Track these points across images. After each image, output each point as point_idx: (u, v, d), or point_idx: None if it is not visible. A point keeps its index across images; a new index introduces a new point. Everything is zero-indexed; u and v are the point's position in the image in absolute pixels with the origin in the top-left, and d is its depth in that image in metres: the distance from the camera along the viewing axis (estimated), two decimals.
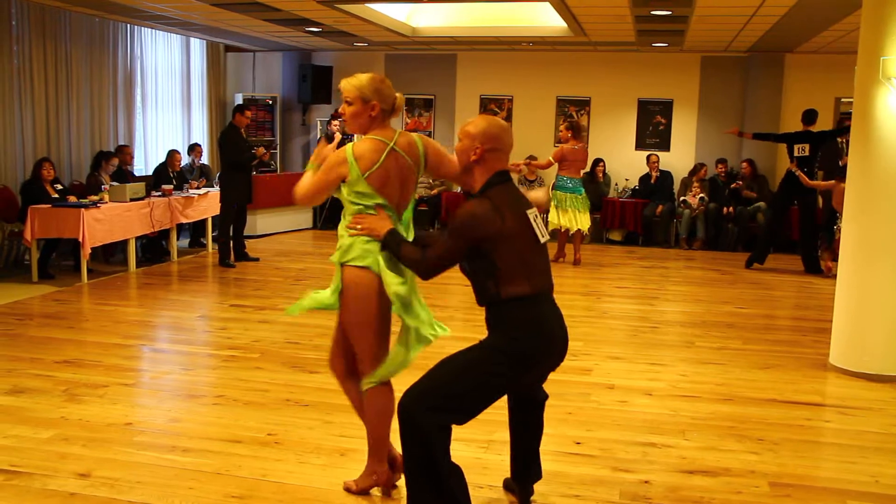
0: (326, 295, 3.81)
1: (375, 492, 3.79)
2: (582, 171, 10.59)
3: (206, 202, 10.78)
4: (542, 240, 3.37)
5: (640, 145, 13.57)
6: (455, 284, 9.16)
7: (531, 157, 11.90)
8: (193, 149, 12.16)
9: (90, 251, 8.73)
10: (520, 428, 3.69)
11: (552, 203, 10.48)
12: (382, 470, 3.75)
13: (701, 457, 4.34)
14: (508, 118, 14.01)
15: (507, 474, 3.90)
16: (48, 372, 5.54)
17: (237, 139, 9.89)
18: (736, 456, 4.36)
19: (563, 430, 4.68)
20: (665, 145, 13.45)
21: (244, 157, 9.81)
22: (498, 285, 3.26)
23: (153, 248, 10.40)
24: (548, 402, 4.91)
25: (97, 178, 9.91)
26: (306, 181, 3.79)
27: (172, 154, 11.08)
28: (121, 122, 11.59)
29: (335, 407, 4.92)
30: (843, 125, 10.92)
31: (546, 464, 4.11)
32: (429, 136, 13.74)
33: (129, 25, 11.62)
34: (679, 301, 8.65)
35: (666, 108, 13.45)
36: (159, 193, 10.03)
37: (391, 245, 3.47)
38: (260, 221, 12.39)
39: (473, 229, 3.23)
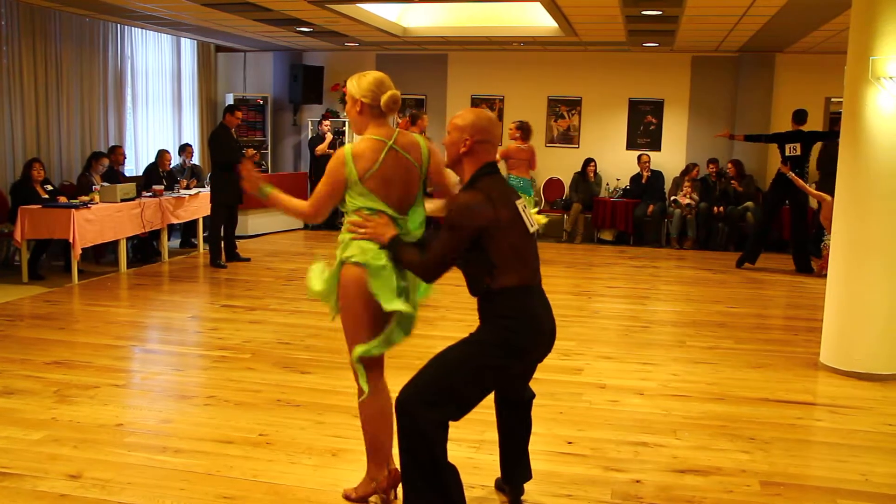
0: (317, 283, 3.79)
1: (374, 499, 3.79)
2: (531, 172, 10.54)
3: (197, 202, 10.75)
4: (532, 230, 3.37)
5: (630, 145, 13.60)
6: (447, 284, 9.15)
7: None
8: (184, 149, 12.14)
9: (81, 252, 8.70)
10: (508, 428, 3.68)
11: None
12: (382, 477, 3.66)
13: (692, 456, 4.34)
14: (500, 118, 14.01)
15: (499, 474, 3.91)
16: (38, 373, 5.52)
17: (227, 139, 9.88)
18: (727, 455, 4.37)
19: (554, 429, 4.68)
20: (656, 145, 13.48)
21: (234, 157, 9.79)
22: (491, 276, 3.27)
23: (144, 248, 10.37)
24: (539, 402, 4.90)
25: (88, 178, 9.87)
26: (313, 196, 3.65)
27: (162, 154, 11.06)
28: (111, 122, 11.56)
29: (327, 407, 4.91)
30: (835, 128, 10.92)
31: (537, 463, 4.11)
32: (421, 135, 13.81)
33: (119, 25, 11.59)
34: (670, 301, 8.67)
35: (657, 107, 13.48)
36: (150, 194, 10.00)
37: (393, 250, 3.45)
38: (251, 222, 12.37)
39: (470, 221, 3.22)
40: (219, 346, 6.34)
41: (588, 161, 13.27)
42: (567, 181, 13.57)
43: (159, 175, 10.79)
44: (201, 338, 6.84)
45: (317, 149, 13.40)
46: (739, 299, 8.63)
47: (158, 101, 12.76)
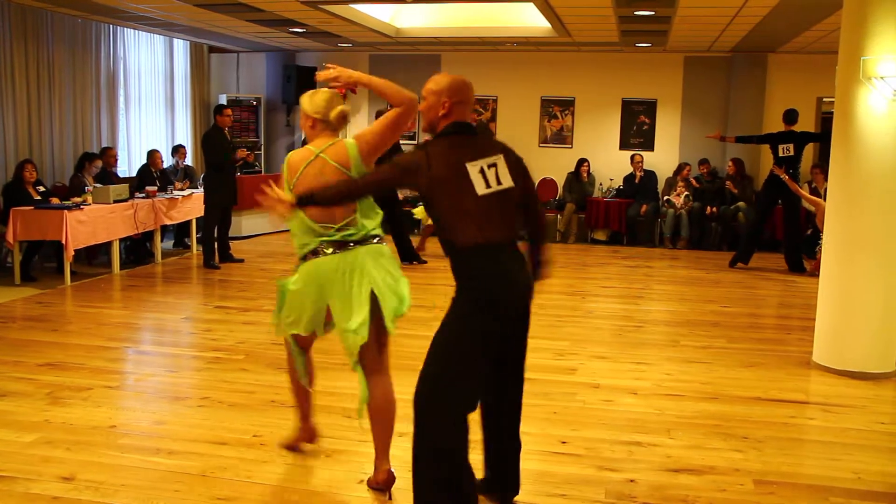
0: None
1: (359, 483, 3.79)
2: None
3: (191, 203, 10.73)
4: (482, 190, 3.35)
5: (624, 145, 13.61)
6: (440, 285, 9.14)
7: None
8: (177, 150, 12.12)
9: (73, 253, 8.67)
10: (493, 435, 3.62)
11: None
12: (385, 469, 3.81)
13: (686, 455, 4.35)
14: (493, 118, 14.04)
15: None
16: (31, 375, 5.50)
17: (220, 140, 9.86)
18: (721, 454, 4.38)
19: (548, 429, 4.69)
20: (649, 145, 13.50)
21: (225, 158, 9.77)
22: (448, 235, 3.37)
23: (137, 249, 10.34)
24: (533, 402, 4.91)
25: (80, 179, 9.85)
26: None
27: (153, 154, 11.04)
28: (104, 123, 11.54)
29: (320, 408, 4.90)
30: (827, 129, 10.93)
31: (531, 463, 4.12)
32: (412, 137, 13.80)
33: (111, 26, 11.57)
34: (664, 300, 8.68)
35: (650, 107, 13.50)
36: (143, 195, 9.98)
37: (306, 200, 3.47)
38: (245, 223, 12.35)
39: (400, 169, 3.40)
40: (212, 348, 6.33)
41: (581, 161, 13.28)
42: (560, 181, 13.58)
43: (152, 176, 10.78)
44: (195, 339, 6.83)
45: None
46: (732, 299, 8.65)
47: (151, 102, 12.73)
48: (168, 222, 10.41)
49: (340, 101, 3.95)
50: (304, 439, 4.28)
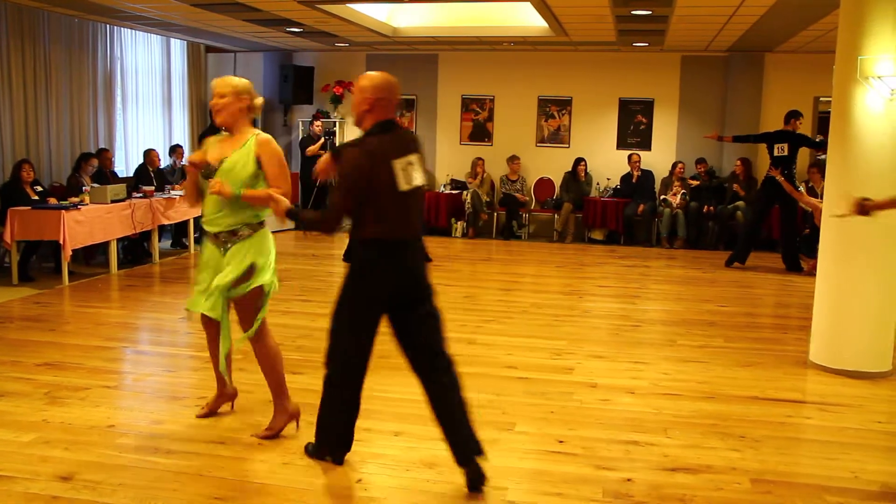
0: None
1: (356, 483, 3.80)
2: None
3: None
4: (404, 187, 3.72)
5: (621, 145, 13.63)
6: (436, 284, 9.15)
7: None
8: (174, 150, 12.12)
9: (71, 253, 8.67)
10: (439, 403, 3.91)
11: None
12: (290, 406, 4.51)
13: (683, 454, 4.36)
14: (490, 118, 14.05)
15: (493, 473, 3.92)
16: (29, 375, 5.50)
17: None
18: (717, 453, 4.39)
19: (545, 428, 4.69)
20: (646, 144, 13.51)
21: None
22: (363, 227, 3.75)
23: (134, 249, 10.34)
24: (530, 401, 4.93)
25: (78, 179, 9.84)
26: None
27: (149, 153, 11.05)
28: (101, 122, 11.54)
29: (317, 408, 4.90)
30: (823, 136, 10.93)
31: (529, 462, 4.14)
32: None
33: (108, 26, 11.56)
34: (661, 300, 8.69)
35: (647, 107, 13.52)
36: (140, 195, 9.98)
37: (294, 217, 4.07)
38: None
39: (357, 172, 3.67)
40: (204, 347, 6.29)
41: (578, 161, 13.29)
42: (557, 181, 13.59)
43: (149, 175, 10.78)
44: (192, 339, 6.82)
45: (308, 149, 13.40)
46: (729, 298, 8.67)
47: (148, 102, 12.73)
48: (165, 222, 10.41)
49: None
50: (294, 417, 4.57)
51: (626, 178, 13.14)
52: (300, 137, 14.04)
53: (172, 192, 10.57)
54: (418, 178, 3.81)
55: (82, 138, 11.13)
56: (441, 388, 3.91)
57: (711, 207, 12.29)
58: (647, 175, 13.07)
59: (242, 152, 4.32)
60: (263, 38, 12.76)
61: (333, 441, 4.07)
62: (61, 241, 8.46)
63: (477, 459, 3.81)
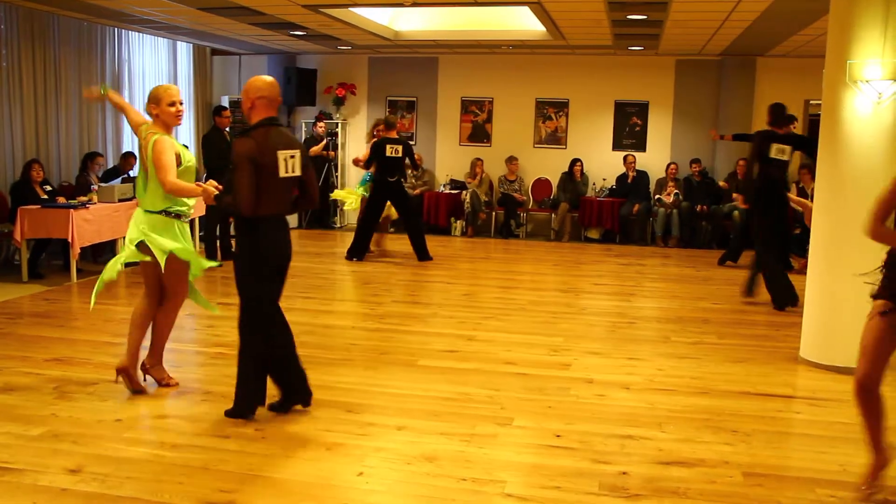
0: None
1: (358, 476, 3.80)
2: None
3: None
4: (282, 174, 4.41)
5: (616, 146, 13.62)
6: (436, 282, 9.16)
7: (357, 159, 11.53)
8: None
9: (79, 251, 8.67)
10: (282, 351, 4.69)
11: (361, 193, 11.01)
12: (124, 360, 5.10)
13: (677, 448, 4.36)
14: (489, 119, 14.05)
15: (492, 467, 3.92)
16: (38, 370, 5.50)
17: (219, 141, 9.88)
18: (710, 447, 4.39)
19: (543, 423, 4.70)
20: (641, 146, 13.51)
21: (220, 162, 9.61)
22: (237, 202, 4.34)
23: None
24: (528, 396, 4.94)
25: (86, 179, 9.84)
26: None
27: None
28: (109, 124, 11.52)
29: (320, 402, 4.91)
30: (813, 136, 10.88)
31: (527, 456, 4.15)
32: (410, 137, 13.80)
33: (116, 29, 11.55)
34: (655, 297, 8.69)
35: (642, 109, 13.51)
36: None
37: (218, 201, 4.60)
38: None
39: (248, 159, 4.29)
40: (215, 343, 6.33)
41: (575, 161, 13.29)
42: (555, 181, 13.59)
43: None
44: (198, 335, 6.83)
45: (311, 150, 13.37)
46: (722, 296, 8.67)
47: None
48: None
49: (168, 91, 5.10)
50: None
51: (621, 179, 13.14)
52: (303, 138, 14.02)
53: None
54: (297, 170, 4.50)
55: (91, 139, 11.11)
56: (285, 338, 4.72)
57: (704, 207, 12.29)
58: (642, 175, 13.06)
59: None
60: (268, 41, 12.75)
61: (250, 397, 4.62)
62: (70, 240, 8.46)
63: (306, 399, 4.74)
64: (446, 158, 14.23)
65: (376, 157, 10.30)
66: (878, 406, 3.73)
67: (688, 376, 5.72)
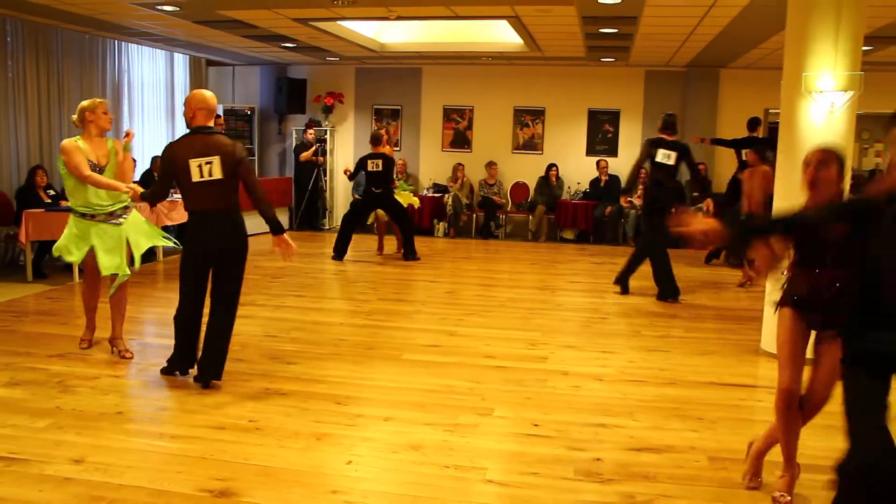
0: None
1: (347, 464, 3.80)
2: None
3: None
4: (195, 179, 4.83)
5: (590, 151, 13.65)
6: (420, 281, 9.17)
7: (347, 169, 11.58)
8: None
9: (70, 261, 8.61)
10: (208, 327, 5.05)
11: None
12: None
13: (647, 436, 4.39)
14: (469, 127, 14.05)
15: (474, 455, 3.93)
16: (43, 365, 5.46)
17: None
18: (678, 434, 4.42)
19: (521, 413, 4.71)
20: (613, 151, 13.55)
21: None
22: (185, 203, 4.98)
23: None
24: (507, 388, 4.95)
25: None
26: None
27: (155, 160, 10.96)
28: (109, 132, 11.41)
29: (311, 395, 4.91)
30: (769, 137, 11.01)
31: (507, 444, 4.16)
32: (395, 144, 13.78)
33: (116, 41, 11.47)
34: (627, 294, 8.71)
35: (614, 117, 13.56)
36: None
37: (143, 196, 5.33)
38: None
39: (163, 169, 5.02)
40: None
41: (551, 166, 13.32)
42: (532, 185, 13.62)
43: (154, 180, 10.70)
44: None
45: (301, 155, 13.36)
46: (690, 292, 8.70)
47: (153, 112, 12.63)
48: (168, 223, 10.31)
49: (94, 105, 5.74)
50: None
51: (594, 183, 13.18)
52: (294, 145, 13.99)
53: (174, 196, 10.49)
54: (217, 173, 4.83)
55: None
56: (214, 318, 5.04)
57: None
58: (614, 179, 13.10)
59: None
60: (260, 53, 12.70)
61: (175, 359, 5.21)
62: None
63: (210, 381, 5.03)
64: (429, 164, 14.22)
65: (361, 170, 10.41)
66: (798, 417, 3.64)
67: (657, 368, 5.76)
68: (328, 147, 14.08)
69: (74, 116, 5.69)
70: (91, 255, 5.55)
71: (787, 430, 3.65)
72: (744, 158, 10.35)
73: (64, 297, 7.88)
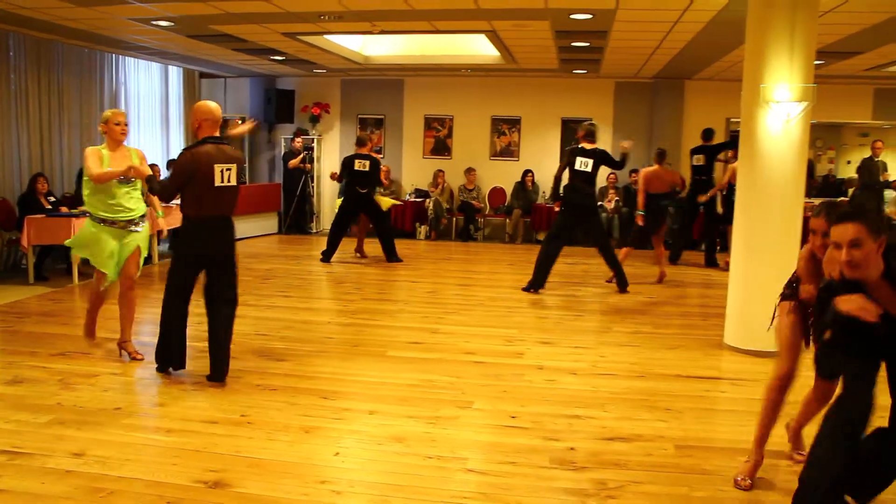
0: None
1: (334, 456, 3.80)
2: None
3: None
4: (217, 183, 4.80)
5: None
6: (403, 281, 9.16)
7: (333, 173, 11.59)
8: (172, 165, 11.97)
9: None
10: (213, 326, 5.05)
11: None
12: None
13: (618, 426, 4.41)
14: (449, 135, 14.06)
15: (454, 446, 3.94)
16: (45, 363, 5.42)
17: None
18: (647, 424, 4.45)
19: (499, 405, 4.72)
20: None
21: None
22: (189, 207, 4.88)
23: None
24: (485, 382, 4.96)
25: None
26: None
27: (151, 168, 10.88)
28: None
29: (299, 390, 4.90)
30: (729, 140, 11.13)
31: (485, 436, 4.17)
32: (379, 151, 13.76)
33: (114, 55, 11.38)
34: (599, 293, 8.75)
35: None
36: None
37: (151, 183, 5.26)
38: None
39: (183, 171, 4.81)
40: (204, 339, 6.19)
41: (527, 172, 13.34)
42: (508, 190, 13.64)
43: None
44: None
45: (290, 163, 13.32)
46: (658, 290, 8.76)
47: (149, 123, 12.55)
48: (163, 228, 10.26)
49: (113, 114, 5.57)
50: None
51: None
52: (283, 152, 13.94)
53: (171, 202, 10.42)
54: (233, 180, 4.90)
55: None
56: (216, 317, 5.03)
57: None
58: None
59: None
60: (250, 65, 12.65)
61: (168, 355, 5.18)
62: None
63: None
64: (411, 170, 14.21)
65: (347, 170, 10.30)
66: (781, 405, 3.67)
67: (627, 362, 5.78)
68: (315, 154, 14.05)
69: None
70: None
71: (770, 416, 3.67)
72: (693, 163, 10.57)
73: (64, 299, 7.82)
